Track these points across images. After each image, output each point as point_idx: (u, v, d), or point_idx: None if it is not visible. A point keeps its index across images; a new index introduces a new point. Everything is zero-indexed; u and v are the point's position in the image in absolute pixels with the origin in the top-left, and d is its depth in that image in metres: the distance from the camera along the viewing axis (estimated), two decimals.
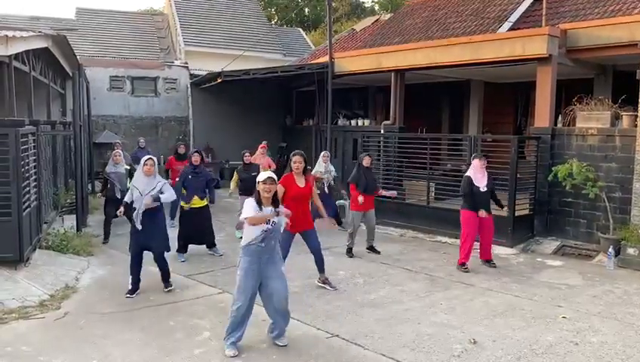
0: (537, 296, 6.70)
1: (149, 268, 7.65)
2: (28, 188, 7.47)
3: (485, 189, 7.81)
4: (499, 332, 5.47)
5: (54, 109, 12.80)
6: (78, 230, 9.40)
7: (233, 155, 16.02)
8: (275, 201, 4.95)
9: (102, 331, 5.40)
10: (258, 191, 4.88)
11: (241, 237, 9.43)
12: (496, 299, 6.55)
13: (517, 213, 9.38)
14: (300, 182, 6.50)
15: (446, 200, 10.68)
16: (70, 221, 9.86)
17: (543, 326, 5.69)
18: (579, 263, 8.49)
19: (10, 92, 7.73)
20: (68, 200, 11.31)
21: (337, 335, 5.35)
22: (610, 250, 8.10)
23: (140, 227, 6.38)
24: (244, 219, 4.88)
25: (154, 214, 6.47)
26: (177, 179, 8.74)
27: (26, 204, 7.28)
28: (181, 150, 11.61)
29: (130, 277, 6.56)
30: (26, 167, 7.37)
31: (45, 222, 9.03)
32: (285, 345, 5.05)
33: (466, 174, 8.01)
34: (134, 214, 6.42)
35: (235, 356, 4.83)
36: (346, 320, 5.78)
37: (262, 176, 4.94)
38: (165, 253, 6.75)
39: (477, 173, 7.84)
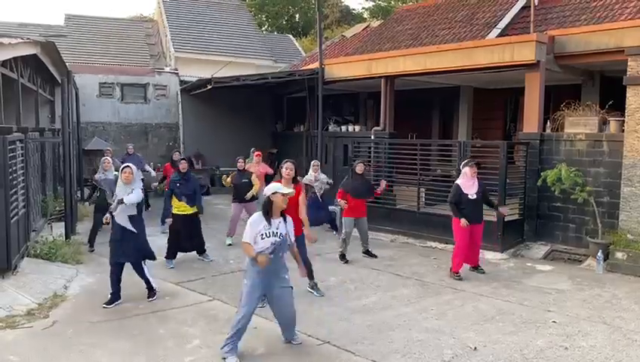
0: (527, 300, 6.73)
1: (138, 277, 7.60)
2: (16, 196, 7.40)
3: (475, 197, 7.71)
4: (489, 337, 5.49)
5: (43, 116, 12.71)
6: (67, 238, 9.32)
7: (224, 162, 15.99)
8: (282, 214, 5.09)
9: (91, 340, 5.35)
10: (270, 201, 4.99)
11: (230, 244, 9.38)
12: (487, 304, 6.57)
13: (507, 218, 9.41)
14: (289, 188, 6.54)
15: (436, 206, 10.71)
16: (59, 229, 9.78)
17: (533, 330, 5.71)
18: (568, 267, 8.54)
19: None
20: (57, 208, 11.21)
21: (328, 342, 5.34)
22: (599, 254, 8.16)
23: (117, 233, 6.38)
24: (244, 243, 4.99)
25: (132, 222, 6.40)
26: (166, 190, 8.67)
27: (14, 212, 7.21)
28: (175, 157, 11.70)
29: (110, 286, 6.47)
30: (14, 175, 7.30)
31: (34, 230, 8.94)
32: (300, 343, 5.23)
33: (456, 182, 7.94)
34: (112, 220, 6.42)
35: None
36: (337, 326, 5.77)
37: (281, 189, 5.06)
38: (149, 261, 6.74)
39: (467, 181, 7.75)
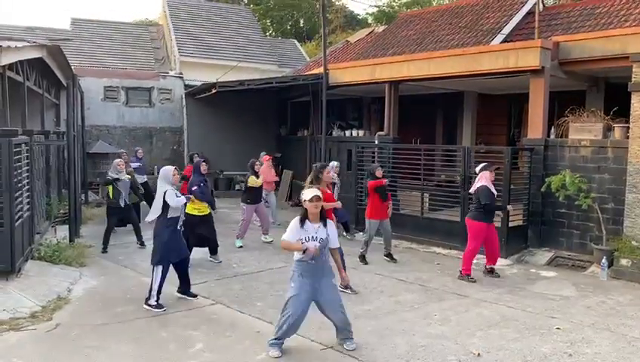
0: (531, 307, 6.70)
1: (142, 278, 7.61)
2: (20, 199, 7.43)
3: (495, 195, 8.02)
4: (493, 344, 5.47)
5: (48, 119, 12.76)
6: (71, 240, 9.35)
7: (228, 165, 16.02)
8: (322, 218, 5.13)
9: (94, 342, 5.35)
10: (305, 208, 5.06)
11: (241, 246, 9.49)
12: (491, 310, 6.55)
13: (511, 224, 9.40)
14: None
15: (440, 211, 10.69)
16: (63, 231, 9.81)
17: (537, 337, 5.69)
18: (572, 274, 8.51)
19: (4, 102, 7.71)
20: (61, 211, 11.24)
21: (332, 347, 5.33)
22: (604, 260, 8.12)
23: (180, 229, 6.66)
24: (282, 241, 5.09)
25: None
26: (194, 189, 8.51)
27: (19, 215, 7.23)
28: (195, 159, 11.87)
29: (159, 288, 6.39)
30: (19, 177, 7.33)
31: (38, 233, 8.97)
32: (353, 349, 5.19)
33: (483, 184, 7.84)
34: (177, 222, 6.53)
35: (279, 357, 4.99)
36: None
37: (308, 194, 5.08)
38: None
39: (490, 183, 7.89)
